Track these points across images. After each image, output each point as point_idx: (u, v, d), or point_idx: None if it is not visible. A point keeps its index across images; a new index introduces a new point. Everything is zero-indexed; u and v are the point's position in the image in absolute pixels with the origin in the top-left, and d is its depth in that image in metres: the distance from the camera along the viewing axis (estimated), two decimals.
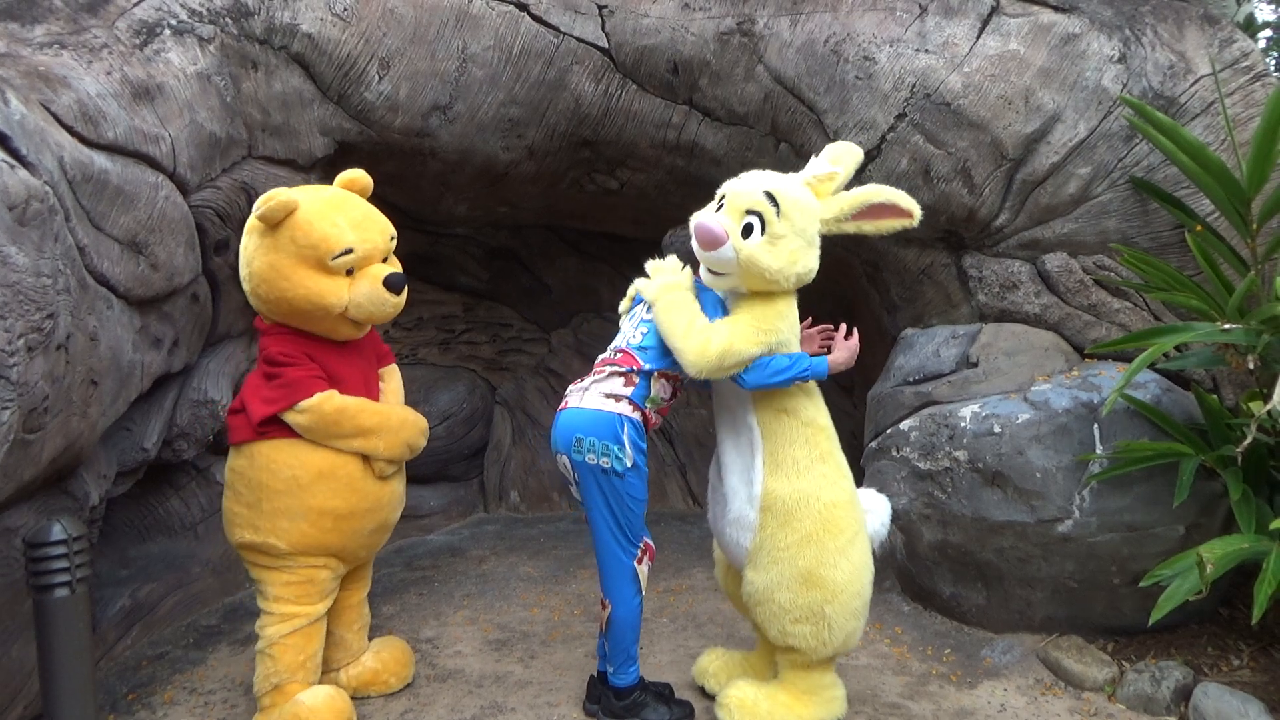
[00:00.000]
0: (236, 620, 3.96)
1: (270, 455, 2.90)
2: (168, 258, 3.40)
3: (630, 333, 3.08)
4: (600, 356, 3.13)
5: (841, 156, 3.02)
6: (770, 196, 2.73)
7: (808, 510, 2.78)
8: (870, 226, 2.87)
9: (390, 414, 3.11)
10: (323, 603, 3.04)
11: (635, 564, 2.96)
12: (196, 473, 4.20)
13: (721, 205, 2.81)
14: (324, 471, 2.92)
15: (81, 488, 3.16)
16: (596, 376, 3.01)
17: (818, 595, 2.76)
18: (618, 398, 2.92)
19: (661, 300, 2.92)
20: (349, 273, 2.96)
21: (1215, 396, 3.55)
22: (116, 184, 3.12)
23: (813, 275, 2.83)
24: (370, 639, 3.42)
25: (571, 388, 3.08)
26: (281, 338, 2.99)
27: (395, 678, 3.29)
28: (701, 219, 2.75)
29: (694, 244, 2.83)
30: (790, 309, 2.86)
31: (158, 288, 3.41)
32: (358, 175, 3.19)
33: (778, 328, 2.78)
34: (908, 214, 2.84)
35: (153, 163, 3.32)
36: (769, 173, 2.89)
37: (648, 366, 2.95)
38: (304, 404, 2.88)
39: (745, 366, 2.75)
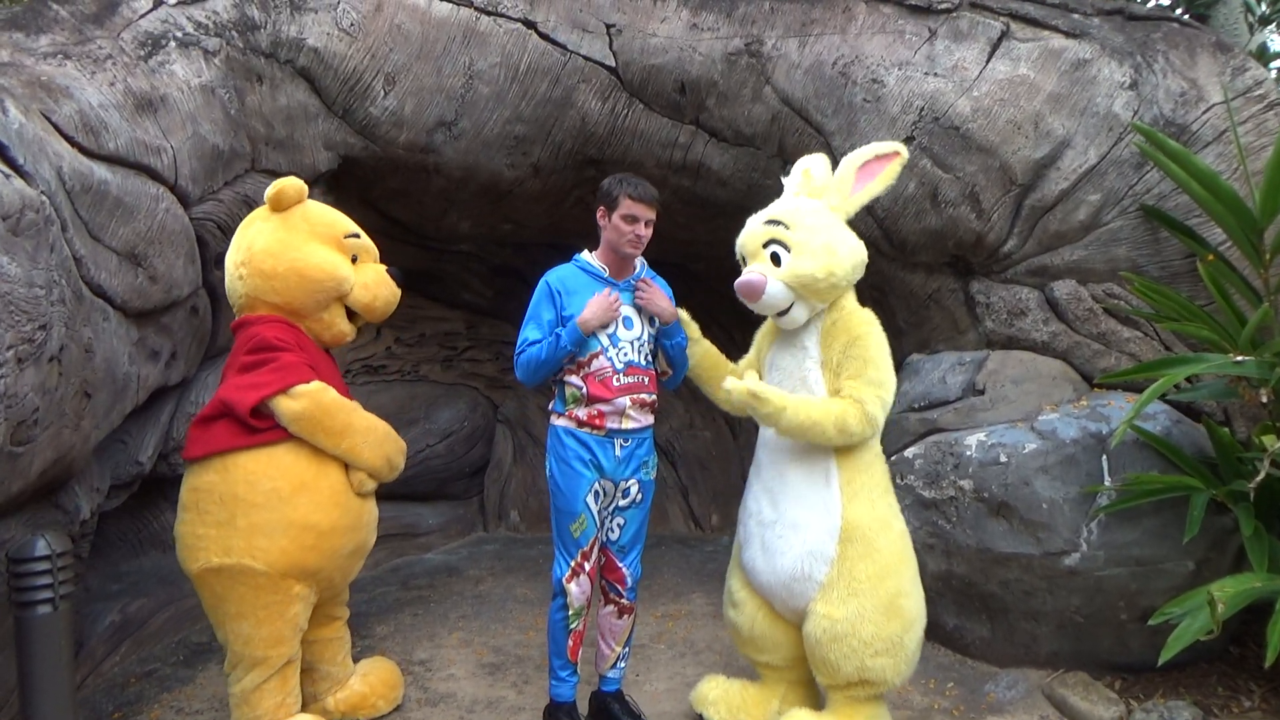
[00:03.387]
0: None
1: (248, 466, 2.75)
2: (167, 270, 3.38)
3: None
4: None
5: (804, 163, 3.08)
6: (772, 221, 2.81)
7: (887, 539, 2.74)
8: (879, 187, 2.91)
9: (377, 422, 3.03)
10: (293, 640, 2.88)
11: (564, 579, 2.96)
12: None
13: (745, 261, 2.89)
14: (306, 483, 2.79)
15: (72, 501, 3.12)
16: None
17: (898, 626, 2.72)
18: (550, 413, 3.09)
19: (784, 410, 2.69)
20: (353, 261, 3.03)
21: (1227, 429, 3.48)
22: (116, 195, 3.10)
23: (863, 253, 2.87)
24: (359, 659, 3.35)
25: None
26: (276, 324, 2.91)
27: (384, 700, 3.23)
28: (737, 283, 2.79)
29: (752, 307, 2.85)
30: (868, 328, 2.84)
31: (156, 300, 3.38)
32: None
33: (880, 376, 2.76)
34: (893, 154, 2.91)
35: (154, 174, 3.30)
36: (761, 211, 2.94)
37: (556, 376, 3.00)
38: (301, 388, 2.76)
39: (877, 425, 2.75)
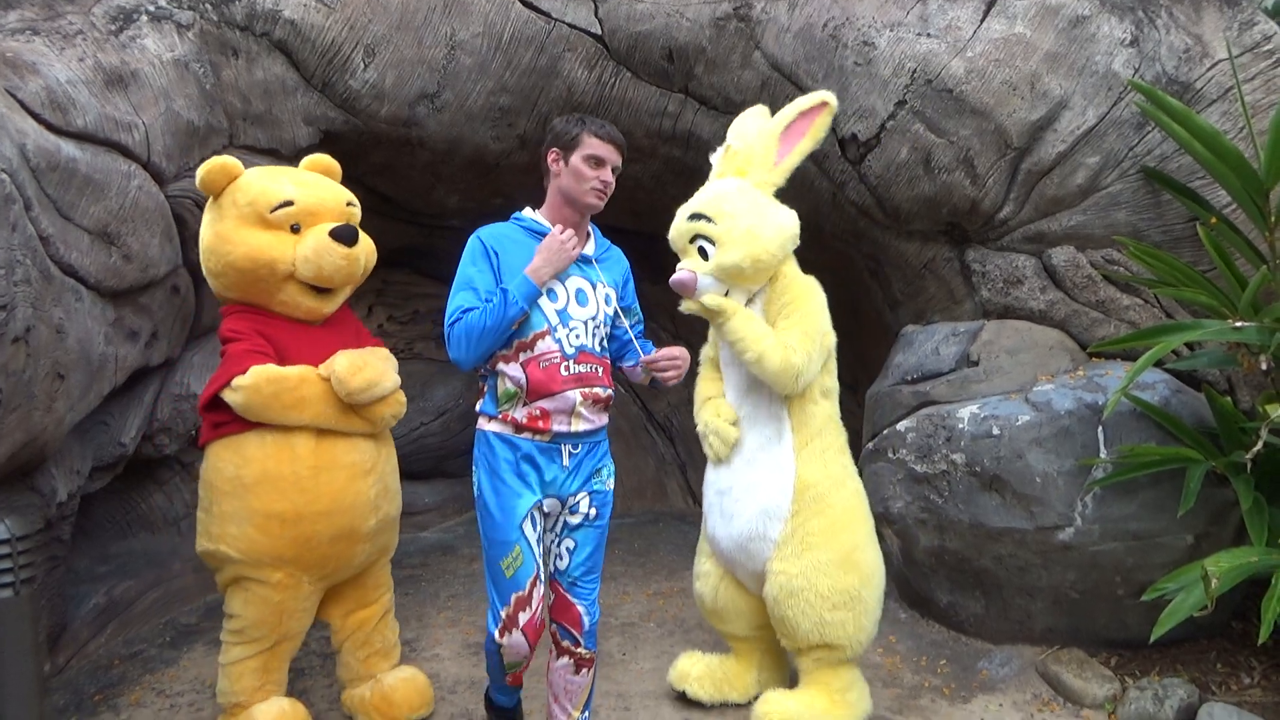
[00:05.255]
0: (216, 618, 3.81)
1: (219, 454, 2.72)
2: (141, 248, 3.33)
3: None
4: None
5: (738, 126, 3.08)
6: (695, 215, 2.80)
7: (840, 495, 2.79)
8: (808, 146, 2.89)
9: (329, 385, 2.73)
10: (280, 627, 2.77)
11: (496, 630, 2.36)
12: (181, 468, 4.13)
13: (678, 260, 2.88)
14: (269, 470, 2.67)
15: (49, 483, 3.10)
16: None
17: (855, 579, 2.75)
18: (479, 416, 2.47)
19: (734, 312, 2.76)
20: (295, 230, 2.81)
21: (1229, 399, 3.36)
22: (85, 173, 3.04)
23: (792, 227, 2.79)
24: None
25: None
26: (236, 315, 2.82)
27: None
28: (670, 281, 2.78)
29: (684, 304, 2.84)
30: (804, 290, 2.83)
31: (131, 279, 3.33)
32: (321, 157, 3.16)
33: (811, 330, 2.75)
34: (819, 106, 2.86)
35: (125, 151, 3.24)
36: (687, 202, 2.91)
37: (489, 364, 2.42)
38: (238, 380, 2.61)
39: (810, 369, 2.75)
